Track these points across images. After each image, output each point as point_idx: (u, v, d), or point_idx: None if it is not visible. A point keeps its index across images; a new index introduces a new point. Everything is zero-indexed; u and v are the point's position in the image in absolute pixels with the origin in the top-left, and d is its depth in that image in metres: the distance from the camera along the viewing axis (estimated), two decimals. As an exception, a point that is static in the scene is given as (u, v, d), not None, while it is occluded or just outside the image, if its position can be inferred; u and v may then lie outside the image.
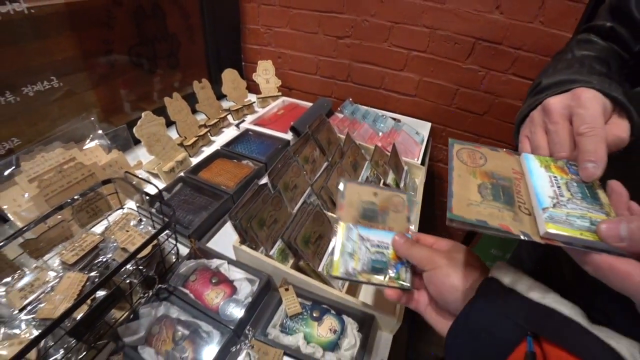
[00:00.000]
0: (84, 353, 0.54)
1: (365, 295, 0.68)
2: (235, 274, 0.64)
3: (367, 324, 0.58)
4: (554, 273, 0.44)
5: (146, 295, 0.60)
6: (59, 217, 0.64)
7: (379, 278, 0.42)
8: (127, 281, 0.59)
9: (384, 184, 0.84)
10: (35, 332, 0.51)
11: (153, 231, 0.66)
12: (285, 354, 0.54)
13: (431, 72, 1.22)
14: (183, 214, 0.79)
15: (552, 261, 0.50)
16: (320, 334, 0.56)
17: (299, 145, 0.81)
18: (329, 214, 0.71)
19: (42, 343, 0.49)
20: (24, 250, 0.59)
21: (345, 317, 0.60)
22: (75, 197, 0.64)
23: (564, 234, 0.29)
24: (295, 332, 0.57)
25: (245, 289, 0.62)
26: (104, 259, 0.61)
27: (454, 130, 1.31)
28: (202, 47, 1.29)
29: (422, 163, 1.04)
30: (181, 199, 0.84)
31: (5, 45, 0.72)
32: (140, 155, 0.96)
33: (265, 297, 0.64)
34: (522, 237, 0.30)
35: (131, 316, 0.58)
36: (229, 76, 1.22)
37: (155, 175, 0.91)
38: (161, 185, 0.88)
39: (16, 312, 0.54)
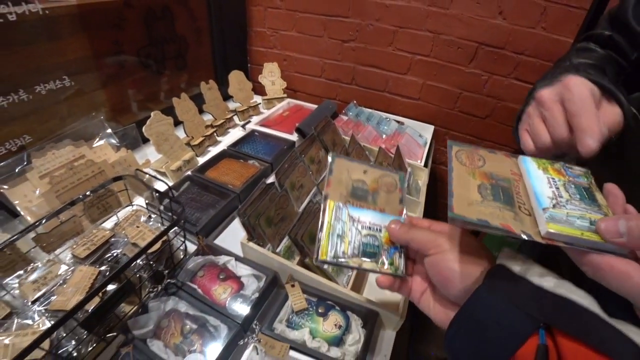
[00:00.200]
0: (94, 345, 0.55)
1: (370, 292, 0.69)
2: (243, 271, 0.66)
3: (371, 321, 0.59)
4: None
5: (155, 289, 0.62)
6: (71, 212, 0.65)
7: (371, 264, 0.39)
8: (137, 275, 0.60)
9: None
10: (48, 323, 0.53)
11: (162, 228, 0.68)
12: (291, 348, 0.55)
13: (434, 75, 1.24)
14: (191, 211, 0.80)
15: (551, 263, 0.51)
16: (326, 329, 0.57)
17: (305, 146, 0.82)
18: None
19: (54, 334, 0.50)
20: (37, 244, 0.60)
21: (349, 313, 0.61)
22: (87, 193, 0.66)
23: (565, 234, 0.29)
24: (301, 327, 0.58)
25: (252, 285, 0.64)
26: (115, 254, 0.62)
27: (456, 133, 1.33)
28: (209, 49, 1.31)
29: (425, 165, 1.06)
30: (188, 197, 0.85)
31: (21, 44, 0.74)
32: (149, 154, 0.97)
33: (272, 293, 0.65)
34: (523, 237, 0.30)
35: (140, 310, 0.59)
36: (236, 78, 1.24)
37: (163, 174, 0.93)
38: (169, 183, 0.89)
39: (29, 303, 0.55)
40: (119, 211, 0.73)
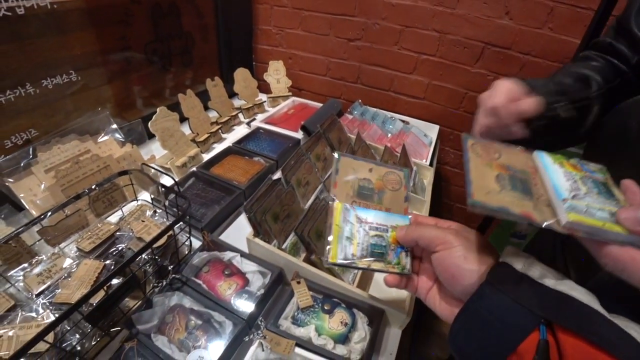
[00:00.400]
0: (98, 339, 0.55)
1: (375, 289, 0.68)
2: (248, 267, 0.65)
3: (377, 318, 0.59)
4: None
5: (160, 284, 0.61)
6: (76, 206, 0.65)
7: (379, 264, 0.40)
8: (142, 270, 0.60)
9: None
10: (52, 316, 0.52)
11: (167, 222, 0.67)
12: (297, 345, 0.54)
13: (440, 75, 1.24)
14: (195, 207, 0.80)
15: (559, 263, 0.51)
16: (332, 326, 0.57)
17: (311, 143, 0.82)
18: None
19: (59, 327, 0.50)
20: (42, 237, 0.60)
21: (355, 310, 0.60)
22: (93, 186, 0.66)
23: (586, 224, 0.29)
24: (306, 324, 0.57)
25: (258, 281, 0.63)
26: (120, 248, 0.62)
27: (461, 134, 1.32)
28: (215, 46, 1.31)
29: (430, 164, 1.05)
30: (193, 193, 0.85)
31: (29, 38, 0.74)
32: (154, 150, 0.97)
33: (277, 289, 0.64)
34: (545, 224, 0.30)
35: (144, 305, 0.58)
36: (241, 75, 1.24)
37: (168, 170, 0.93)
38: (175, 178, 0.89)
39: (33, 296, 0.55)
40: (124, 206, 0.73)
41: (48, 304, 0.54)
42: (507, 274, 0.32)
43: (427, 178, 0.98)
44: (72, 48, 0.83)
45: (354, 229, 0.42)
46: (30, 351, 0.41)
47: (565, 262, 0.50)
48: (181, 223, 0.63)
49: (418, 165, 0.98)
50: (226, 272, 0.63)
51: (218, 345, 0.54)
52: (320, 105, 1.26)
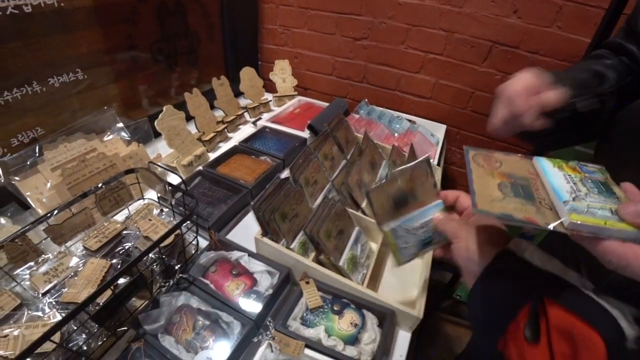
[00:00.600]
0: (104, 339, 0.54)
1: (385, 290, 0.67)
2: (256, 267, 0.64)
3: (387, 320, 0.58)
4: None
5: (167, 284, 0.60)
6: (82, 204, 0.64)
7: (429, 248, 0.50)
8: (149, 269, 0.59)
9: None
10: (58, 316, 0.52)
11: (174, 221, 0.67)
12: (306, 346, 0.53)
13: (447, 74, 1.23)
14: (202, 206, 0.79)
15: (570, 265, 0.51)
16: (342, 327, 0.56)
17: (318, 142, 0.81)
18: (350, 210, 0.71)
19: (65, 327, 0.49)
20: (48, 235, 0.59)
21: (365, 311, 0.59)
22: (99, 185, 0.65)
23: (588, 224, 0.30)
24: (316, 325, 0.56)
25: (266, 281, 0.62)
26: (126, 247, 0.61)
27: (468, 133, 1.31)
28: (220, 45, 1.31)
29: (438, 164, 1.04)
30: (200, 192, 0.84)
31: (35, 36, 0.74)
32: (160, 149, 0.97)
33: (285, 290, 0.63)
34: (548, 228, 0.31)
35: (151, 305, 0.57)
36: (247, 74, 1.23)
37: (174, 169, 0.92)
38: (182, 177, 0.89)
39: (40, 295, 0.54)
40: (130, 204, 0.72)
41: (54, 303, 0.53)
42: (509, 258, 0.38)
43: (436, 177, 0.97)
44: (79, 46, 0.83)
45: (406, 238, 0.50)
46: (37, 351, 0.41)
47: (577, 262, 0.49)
48: (188, 222, 0.62)
49: (426, 165, 0.96)
50: (234, 272, 0.62)
51: (226, 346, 0.53)
52: (326, 104, 1.25)
